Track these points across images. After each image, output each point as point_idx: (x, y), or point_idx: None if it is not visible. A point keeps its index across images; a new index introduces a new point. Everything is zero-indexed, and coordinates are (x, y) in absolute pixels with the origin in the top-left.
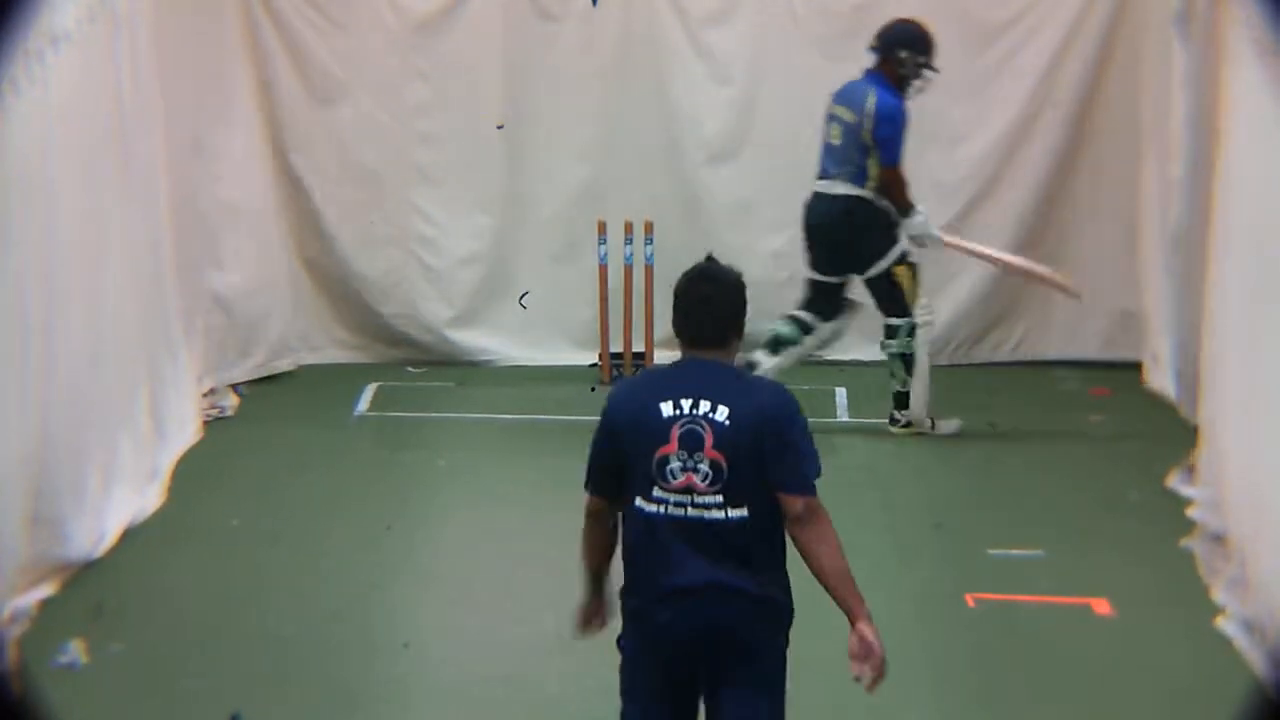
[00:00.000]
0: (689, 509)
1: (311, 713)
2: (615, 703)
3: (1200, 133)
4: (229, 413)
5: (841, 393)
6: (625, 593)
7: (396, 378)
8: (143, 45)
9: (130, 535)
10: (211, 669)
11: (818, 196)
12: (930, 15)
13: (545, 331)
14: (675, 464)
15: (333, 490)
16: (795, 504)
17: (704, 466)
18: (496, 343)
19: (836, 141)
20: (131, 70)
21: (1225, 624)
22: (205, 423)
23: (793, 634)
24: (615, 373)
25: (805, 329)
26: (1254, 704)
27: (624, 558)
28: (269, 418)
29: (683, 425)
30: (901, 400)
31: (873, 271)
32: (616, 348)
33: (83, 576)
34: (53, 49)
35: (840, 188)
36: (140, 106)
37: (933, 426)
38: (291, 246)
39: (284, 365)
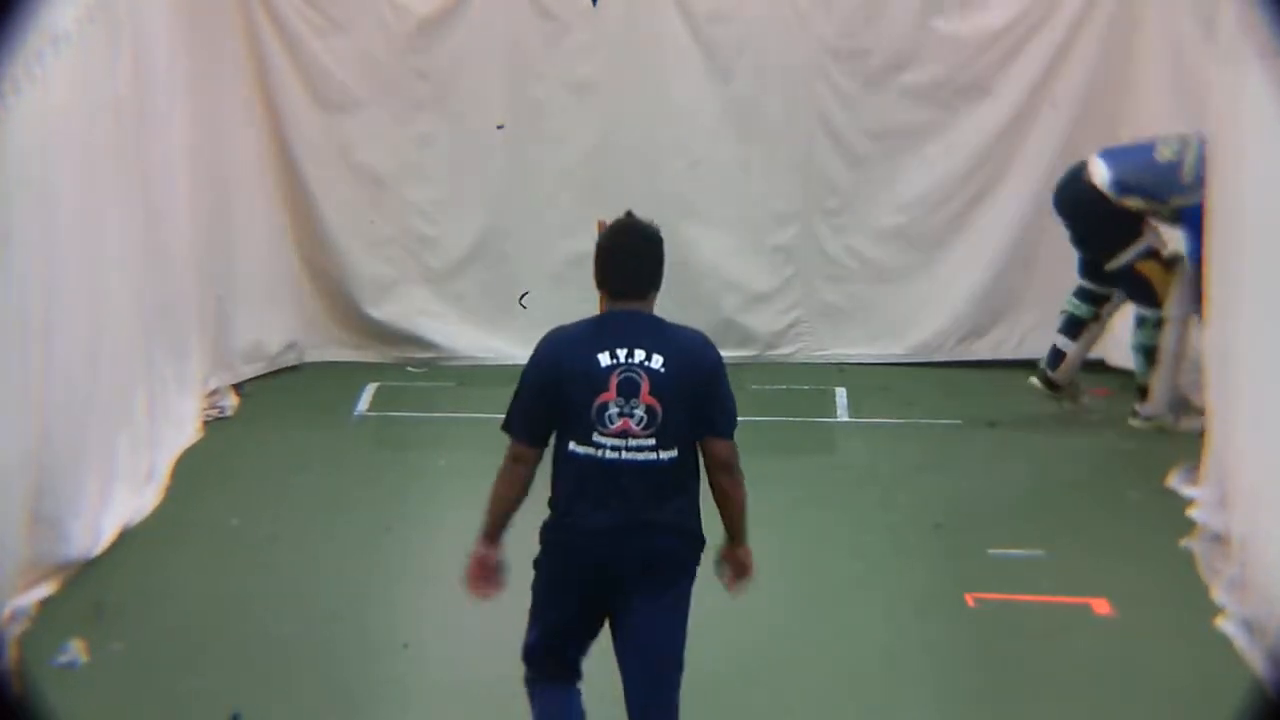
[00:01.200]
0: (624, 451)
1: (311, 713)
2: (615, 704)
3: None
4: (229, 413)
5: (841, 393)
6: (553, 528)
7: (396, 377)
8: (144, 46)
9: (130, 535)
10: (211, 669)
11: (1072, 175)
12: (931, 14)
13: (545, 331)
14: (613, 410)
15: (333, 490)
16: (723, 448)
17: (639, 411)
18: (497, 342)
19: (1160, 160)
20: (132, 71)
21: (1225, 624)
22: (205, 423)
23: (788, 642)
24: None
25: (1094, 299)
26: (1254, 704)
27: (556, 496)
28: (269, 418)
29: (621, 373)
30: (1143, 394)
31: (1111, 265)
32: None
33: (83, 576)
34: (53, 49)
35: (1096, 178)
36: (140, 107)
37: (1175, 421)
38: (292, 246)
39: (285, 363)
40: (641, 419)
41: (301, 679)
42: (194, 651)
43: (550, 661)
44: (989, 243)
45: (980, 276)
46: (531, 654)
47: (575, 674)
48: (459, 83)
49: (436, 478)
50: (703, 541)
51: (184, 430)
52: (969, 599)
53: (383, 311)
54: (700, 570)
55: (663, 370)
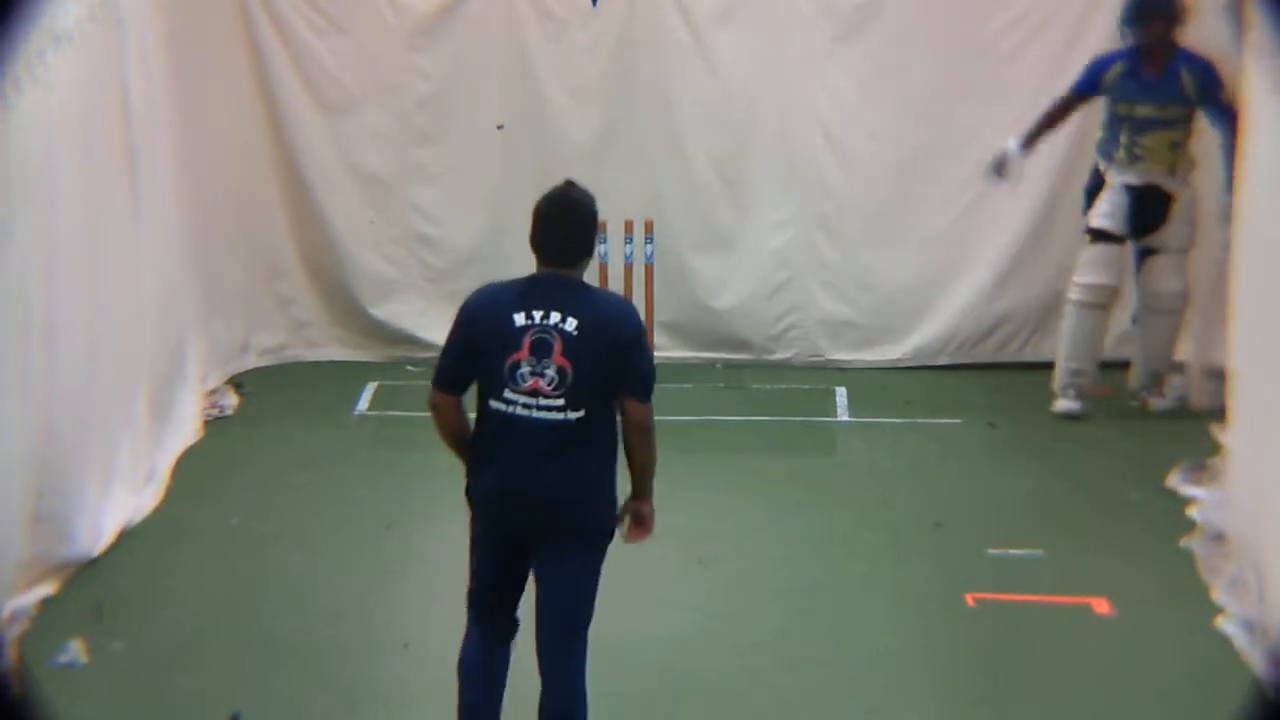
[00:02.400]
0: (534, 410)
1: (311, 713)
2: (615, 705)
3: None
4: (229, 412)
5: (841, 393)
6: (470, 486)
7: (396, 377)
8: (144, 44)
9: (130, 534)
10: (211, 669)
11: None
12: (933, 14)
13: None
14: (525, 369)
15: (333, 490)
16: (637, 409)
17: (550, 372)
18: None
19: None
20: (133, 70)
21: (1225, 624)
22: (205, 422)
23: (788, 642)
24: None
25: None
26: (1254, 704)
27: (473, 451)
28: (269, 417)
29: (534, 334)
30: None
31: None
32: None
33: (83, 576)
34: (54, 48)
35: None
36: (141, 106)
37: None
38: (292, 245)
39: (285, 361)
40: (552, 379)
41: (301, 679)
42: (194, 651)
43: (484, 609)
44: (990, 246)
45: (981, 279)
46: (469, 599)
47: (509, 622)
48: (459, 83)
49: (437, 477)
50: (612, 501)
51: (184, 430)
52: (969, 599)
53: (383, 311)
54: (700, 570)
55: (575, 333)
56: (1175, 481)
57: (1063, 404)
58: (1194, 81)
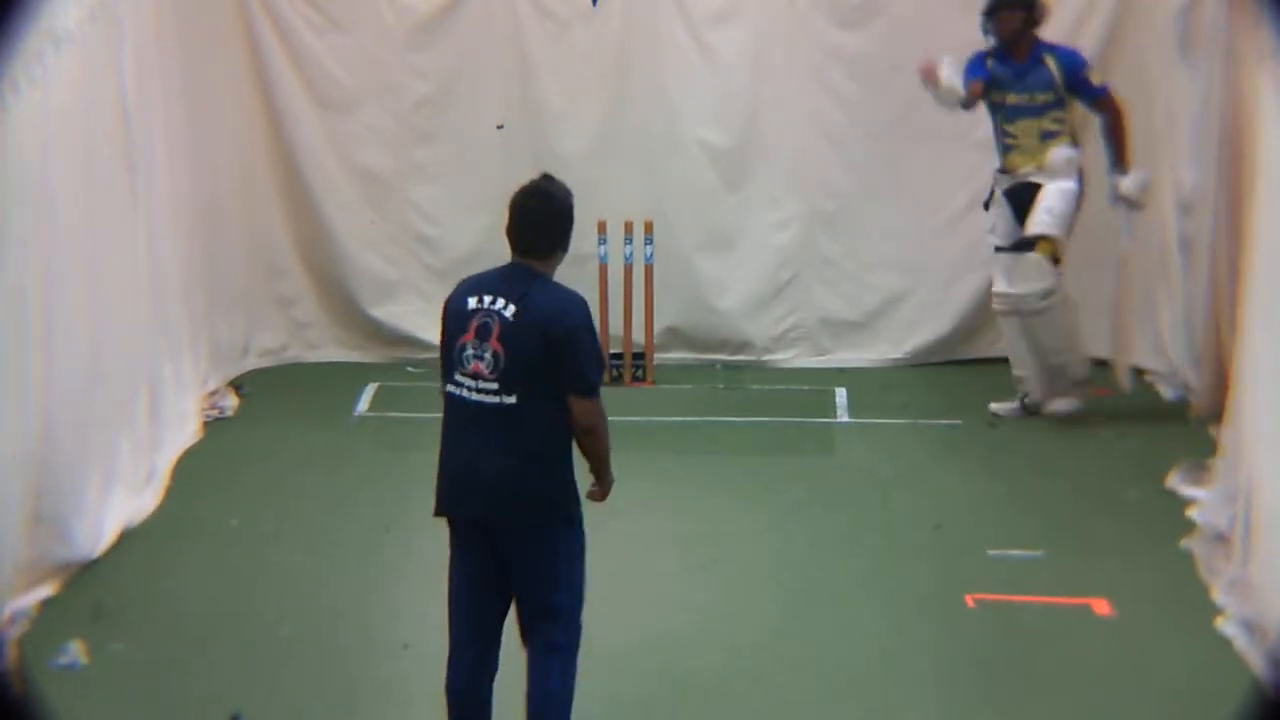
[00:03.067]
0: (474, 393)
1: (312, 713)
2: (615, 706)
3: (1211, 136)
4: (229, 413)
5: (841, 393)
6: (439, 467)
7: (396, 378)
8: (144, 45)
9: (130, 535)
10: (212, 669)
11: None
12: (932, 14)
13: None
14: (470, 351)
15: (333, 490)
16: (578, 405)
17: (488, 355)
18: None
19: None
20: (132, 71)
21: (1225, 624)
22: (205, 423)
23: (788, 642)
24: (615, 373)
25: None
26: (1254, 704)
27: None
28: (269, 418)
29: (479, 318)
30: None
31: None
32: (616, 348)
33: (83, 576)
34: (53, 49)
35: None
36: (141, 107)
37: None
38: (291, 245)
39: (284, 362)
40: (489, 363)
41: (302, 679)
42: (194, 651)
43: (466, 637)
44: (990, 246)
45: (981, 278)
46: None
47: (493, 648)
48: (459, 82)
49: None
50: (563, 485)
51: (184, 430)
52: (969, 599)
53: (383, 311)
54: (701, 571)
55: (511, 319)
56: (1175, 482)
57: (1055, 405)
58: (1059, 67)
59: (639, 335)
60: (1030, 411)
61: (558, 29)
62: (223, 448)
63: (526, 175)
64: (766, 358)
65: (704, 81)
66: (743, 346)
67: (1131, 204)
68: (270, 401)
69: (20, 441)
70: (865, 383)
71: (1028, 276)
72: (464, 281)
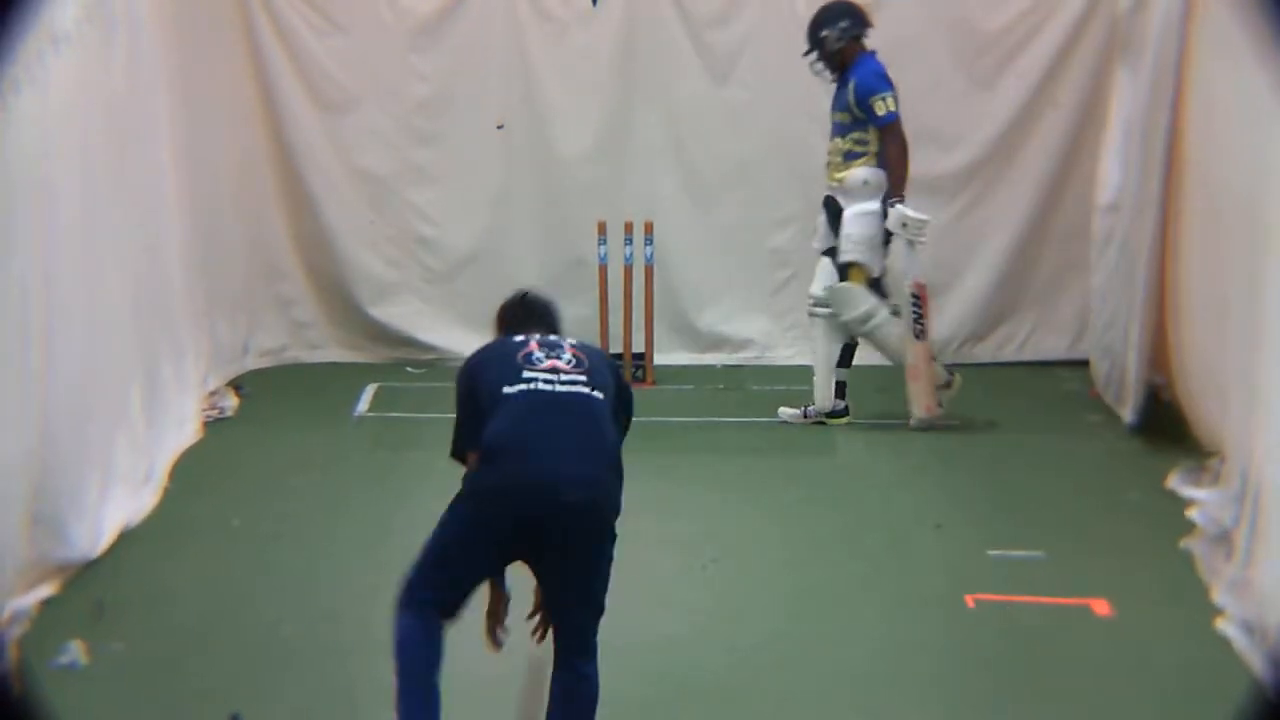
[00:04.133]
0: (557, 385)
1: (311, 713)
2: (614, 706)
3: (1152, 137)
4: (229, 413)
5: None
6: (478, 477)
7: (396, 378)
8: (142, 46)
9: (130, 535)
10: (211, 669)
11: None
12: (931, 15)
13: None
14: (539, 354)
15: (333, 490)
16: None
17: (566, 355)
18: None
19: None
20: (131, 71)
21: (1225, 625)
22: (205, 423)
23: (788, 642)
24: None
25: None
26: (1254, 704)
27: (487, 450)
28: (269, 418)
29: (537, 339)
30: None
31: None
32: (616, 348)
33: (83, 576)
34: (53, 49)
35: None
36: (140, 107)
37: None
38: (291, 246)
39: (284, 362)
40: (570, 360)
41: (301, 679)
42: (194, 651)
43: (442, 605)
44: (990, 245)
45: (981, 279)
46: (413, 590)
47: (455, 616)
48: (459, 83)
49: (437, 478)
50: (619, 503)
51: (184, 430)
52: (969, 599)
53: (382, 312)
54: (701, 571)
55: (576, 342)
56: (1175, 482)
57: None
58: (854, 89)
59: (639, 335)
60: (815, 421)
61: (557, 30)
62: (223, 448)
63: (527, 176)
64: (767, 355)
65: (703, 81)
66: (743, 346)
67: (899, 236)
68: (270, 402)
69: (20, 442)
70: (866, 382)
71: (815, 280)
72: (483, 348)
